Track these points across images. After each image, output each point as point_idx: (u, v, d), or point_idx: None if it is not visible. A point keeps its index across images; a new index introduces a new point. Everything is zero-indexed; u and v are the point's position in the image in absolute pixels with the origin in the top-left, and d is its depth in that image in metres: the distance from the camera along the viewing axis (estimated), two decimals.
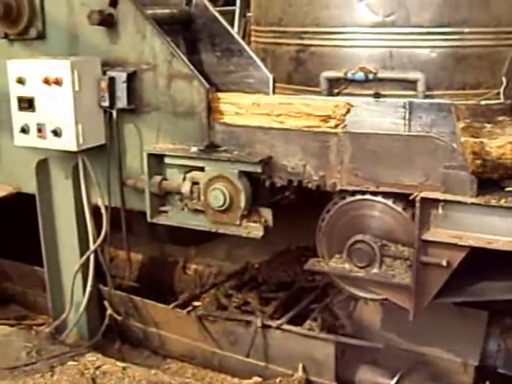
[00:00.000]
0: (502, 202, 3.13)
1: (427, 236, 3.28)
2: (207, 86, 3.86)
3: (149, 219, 4.05)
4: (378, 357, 4.16)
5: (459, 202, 3.21)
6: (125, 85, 4.03)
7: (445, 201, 3.25)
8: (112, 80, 4.04)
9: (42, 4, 4.26)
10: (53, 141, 4.08)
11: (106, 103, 4.07)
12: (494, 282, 3.46)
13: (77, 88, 3.96)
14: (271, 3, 5.47)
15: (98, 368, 4.20)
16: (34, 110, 4.10)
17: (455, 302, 3.82)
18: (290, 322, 4.32)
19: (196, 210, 3.91)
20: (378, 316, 4.18)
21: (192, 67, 3.91)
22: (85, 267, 4.49)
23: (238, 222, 3.77)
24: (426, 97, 4.69)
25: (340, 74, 4.97)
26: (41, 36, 4.30)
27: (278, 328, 4.29)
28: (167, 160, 3.96)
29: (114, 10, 4.00)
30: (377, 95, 4.76)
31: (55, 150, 4.20)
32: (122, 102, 4.07)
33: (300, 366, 4.22)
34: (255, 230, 3.77)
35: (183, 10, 4.43)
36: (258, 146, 3.74)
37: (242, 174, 3.70)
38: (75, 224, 4.52)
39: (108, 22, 4.00)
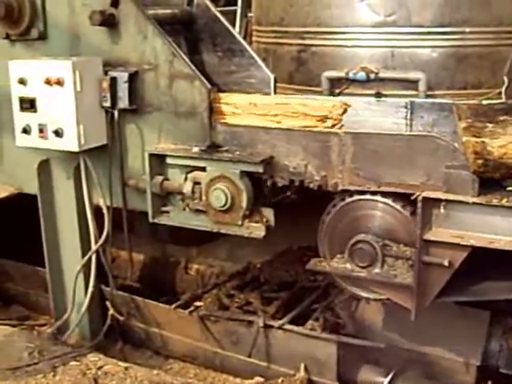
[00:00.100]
0: (504, 201, 3.12)
1: (429, 236, 3.28)
2: (209, 86, 3.86)
3: (150, 219, 4.05)
4: (379, 356, 4.17)
5: (461, 202, 3.21)
6: (126, 85, 4.02)
7: (446, 200, 3.25)
8: (113, 80, 4.03)
9: (43, 4, 4.26)
10: (54, 141, 4.08)
11: (108, 103, 4.07)
12: (496, 282, 3.46)
13: (78, 88, 3.96)
14: (272, 3, 5.48)
15: (99, 368, 4.20)
16: (35, 111, 4.10)
17: (457, 302, 3.82)
18: (291, 322, 4.32)
19: (198, 210, 3.91)
20: (379, 316, 4.17)
21: (193, 67, 3.90)
22: (87, 267, 4.49)
23: (239, 222, 3.77)
24: (428, 96, 4.70)
25: (341, 74, 4.98)
26: (42, 36, 4.30)
27: (279, 328, 4.29)
28: (169, 160, 3.95)
29: (116, 11, 4.00)
30: (378, 95, 4.77)
31: (57, 151, 4.20)
32: (123, 103, 4.07)
33: (302, 366, 4.21)
34: (257, 230, 3.77)
35: (184, 10, 4.43)
36: (259, 146, 3.74)
37: (244, 174, 3.70)
38: (77, 224, 4.52)
39: (109, 22, 4.00)
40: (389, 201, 3.45)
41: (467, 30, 4.81)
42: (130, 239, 4.45)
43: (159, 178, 3.96)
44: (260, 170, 3.67)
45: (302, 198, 3.95)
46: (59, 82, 3.95)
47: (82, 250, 4.53)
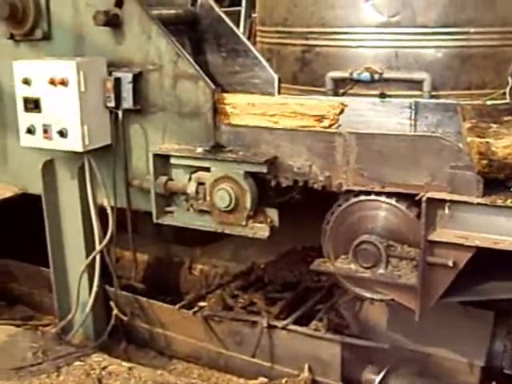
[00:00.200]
0: (509, 202, 3.12)
1: (433, 236, 3.28)
2: (213, 86, 3.86)
3: (154, 220, 4.06)
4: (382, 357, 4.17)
5: (465, 203, 3.20)
6: (130, 85, 4.03)
7: (451, 201, 3.24)
8: (118, 80, 4.04)
9: (47, 5, 4.27)
10: (59, 141, 4.09)
11: (112, 104, 4.08)
12: (501, 282, 3.45)
13: (83, 89, 3.97)
14: (276, 3, 5.47)
15: (104, 368, 4.21)
16: (39, 111, 4.10)
17: (461, 302, 3.82)
18: (295, 323, 4.32)
19: (202, 211, 3.91)
20: (383, 316, 4.17)
21: (198, 68, 3.91)
22: (91, 268, 4.50)
23: (243, 223, 3.77)
24: (432, 97, 4.68)
25: (346, 75, 4.96)
26: (46, 37, 4.31)
27: (283, 328, 4.29)
28: (173, 160, 3.96)
29: (120, 11, 4.00)
30: (382, 95, 4.75)
31: (61, 151, 4.21)
32: (127, 103, 4.08)
33: (306, 366, 4.21)
34: (261, 231, 3.77)
35: (189, 11, 4.43)
36: (263, 146, 3.74)
37: (248, 174, 3.70)
38: (81, 224, 4.52)
39: (113, 22, 4.01)
40: (393, 201, 3.45)
41: (472, 30, 4.79)
42: (134, 239, 4.46)
43: (163, 179, 3.96)
44: (264, 170, 3.67)
45: (306, 199, 3.95)
46: (63, 83, 3.96)
47: (86, 250, 4.54)
